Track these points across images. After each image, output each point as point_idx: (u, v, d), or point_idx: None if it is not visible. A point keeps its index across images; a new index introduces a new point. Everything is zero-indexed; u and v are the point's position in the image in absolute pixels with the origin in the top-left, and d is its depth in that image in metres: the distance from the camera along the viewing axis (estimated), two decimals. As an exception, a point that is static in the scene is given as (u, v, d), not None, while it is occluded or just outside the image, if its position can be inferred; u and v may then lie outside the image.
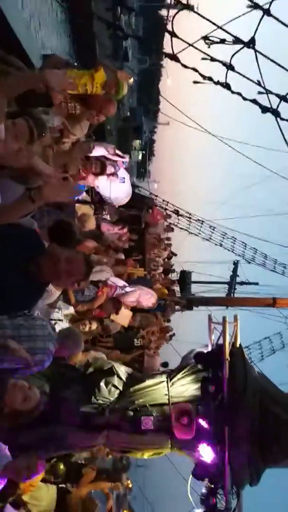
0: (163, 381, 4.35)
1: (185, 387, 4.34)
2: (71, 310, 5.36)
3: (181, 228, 13.74)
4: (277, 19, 3.29)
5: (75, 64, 5.10)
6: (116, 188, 8.24)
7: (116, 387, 4.11)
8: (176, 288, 16.63)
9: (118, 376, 4.18)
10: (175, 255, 15.09)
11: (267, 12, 3.18)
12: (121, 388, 4.15)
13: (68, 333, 3.20)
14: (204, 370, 4.41)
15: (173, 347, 14.01)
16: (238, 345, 4.49)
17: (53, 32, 11.87)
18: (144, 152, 43.18)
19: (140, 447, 4.14)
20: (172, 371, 4.52)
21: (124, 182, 8.46)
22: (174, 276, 16.44)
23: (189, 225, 13.70)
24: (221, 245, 14.39)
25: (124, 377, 4.22)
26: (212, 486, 4.19)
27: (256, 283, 19.91)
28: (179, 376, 4.39)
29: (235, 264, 19.06)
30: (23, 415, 2.79)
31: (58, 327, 5.01)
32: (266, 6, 3.22)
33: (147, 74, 40.54)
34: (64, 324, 5.28)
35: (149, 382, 4.31)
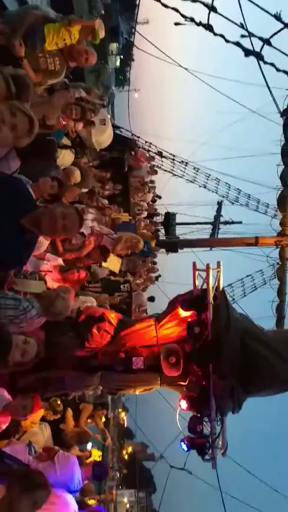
0: (151, 324, 4.62)
1: (172, 329, 4.64)
2: (59, 261, 5.49)
3: (165, 170, 13.60)
4: None
5: (50, 17, 4.86)
6: (96, 130, 8.03)
7: (108, 332, 4.38)
8: (161, 230, 16.84)
9: (109, 322, 4.42)
10: (160, 197, 15.09)
11: None
12: (112, 332, 4.42)
13: (51, 302, 3.38)
14: (188, 312, 4.70)
15: (159, 287, 14.54)
16: (221, 289, 4.74)
17: None
18: (122, 57, 39.62)
19: (132, 385, 4.50)
20: (159, 315, 4.79)
21: (104, 124, 8.24)
22: (158, 218, 16.56)
23: (173, 167, 13.56)
24: (205, 186, 14.38)
25: (114, 323, 4.47)
26: (199, 415, 4.63)
27: (240, 222, 20.22)
28: (166, 319, 4.66)
29: (219, 204, 19.21)
30: (24, 364, 3.03)
31: (48, 278, 5.18)
32: None
33: None
34: (54, 275, 5.44)
35: (138, 326, 4.59)
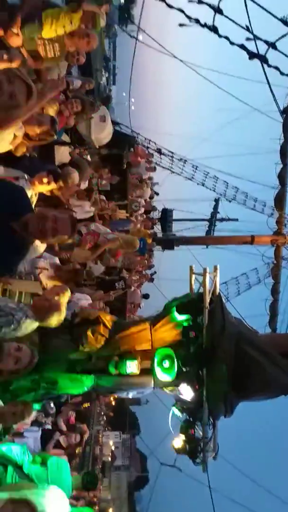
0: (146, 328, 4.59)
1: (167, 333, 4.61)
2: (56, 260, 5.44)
3: (163, 167, 13.54)
4: None
5: (51, 2, 4.69)
6: (96, 127, 7.96)
7: (103, 335, 4.34)
8: (158, 226, 16.79)
9: (104, 325, 4.38)
10: (157, 194, 15.03)
11: None
12: (107, 335, 4.38)
13: (44, 314, 3.35)
14: (184, 315, 4.67)
15: (154, 284, 14.53)
16: (217, 294, 4.71)
17: None
18: None
19: (125, 388, 4.48)
20: (154, 318, 4.75)
21: (104, 121, 8.16)
22: (155, 214, 16.50)
23: (172, 164, 13.49)
24: (203, 184, 14.33)
25: (109, 325, 4.43)
26: (191, 419, 4.62)
27: (236, 220, 20.25)
28: (161, 322, 4.63)
29: (216, 201, 19.21)
30: (18, 372, 3.00)
31: (43, 277, 5.13)
32: None
33: None
34: (50, 272, 5.39)
35: (133, 329, 4.55)
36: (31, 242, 3.16)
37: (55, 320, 3.64)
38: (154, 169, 12.78)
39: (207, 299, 4.60)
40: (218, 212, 19.67)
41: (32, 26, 4.40)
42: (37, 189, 4.09)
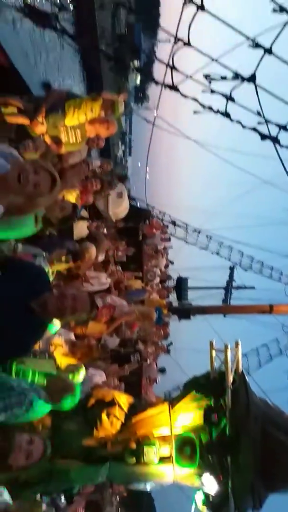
0: (165, 410, 4.31)
1: (187, 416, 4.31)
2: (71, 335, 5.32)
3: (178, 238, 13.76)
4: (278, 57, 3.30)
5: (74, 93, 5.07)
6: (113, 203, 8.24)
7: (118, 419, 4.08)
8: (173, 295, 16.64)
9: (120, 407, 4.14)
10: (172, 263, 15.08)
11: (268, 51, 3.18)
12: (122, 419, 4.12)
13: (56, 396, 3.22)
14: (206, 397, 4.39)
15: (171, 357, 14.04)
16: (240, 372, 4.46)
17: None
18: (142, 74, 39.04)
19: (142, 479, 4.11)
20: (173, 399, 4.49)
21: (121, 197, 8.46)
22: (170, 283, 16.44)
23: (186, 234, 13.71)
24: (217, 253, 14.39)
25: (125, 408, 4.18)
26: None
27: (253, 287, 19.98)
28: (180, 404, 4.35)
29: (231, 269, 19.15)
30: (28, 467, 2.78)
31: (57, 354, 4.99)
32: (268, 45, 3.23)
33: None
34: (65, 349, 5.25)
35: (150, 411, 4.28)
36: (49, 322, 3.10)
37: (68, 402, 3.48)
38: (169, 240, 12.97)
39: (230, 379, 4.35)
40: (234, 280, 19.53)
41: (55, 115, 4.72)
42: (54, 268, 4.13)
